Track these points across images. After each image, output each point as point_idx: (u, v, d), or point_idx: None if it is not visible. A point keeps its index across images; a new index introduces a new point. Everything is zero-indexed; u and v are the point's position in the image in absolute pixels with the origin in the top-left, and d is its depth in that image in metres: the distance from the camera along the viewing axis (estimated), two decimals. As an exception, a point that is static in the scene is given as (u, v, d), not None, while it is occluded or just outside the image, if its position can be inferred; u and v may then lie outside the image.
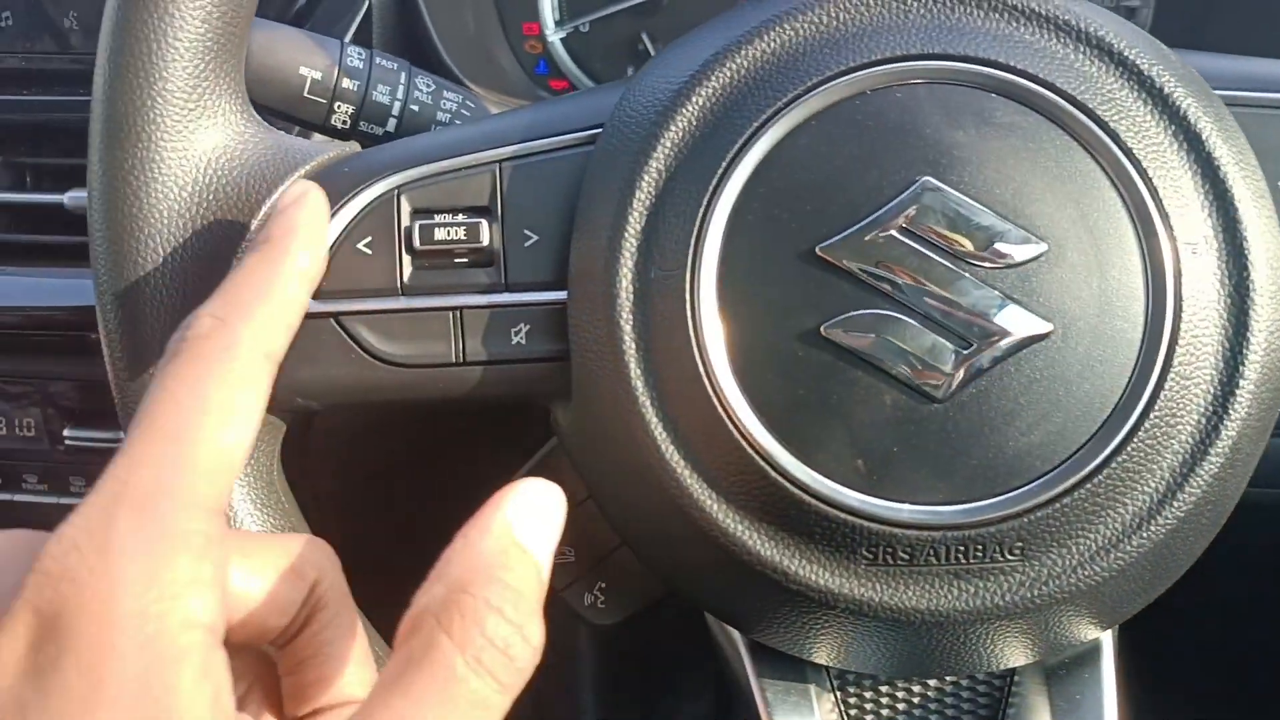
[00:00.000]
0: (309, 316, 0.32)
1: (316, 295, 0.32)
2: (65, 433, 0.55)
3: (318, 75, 0.41)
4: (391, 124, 0.42)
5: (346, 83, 0.41)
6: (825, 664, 0.33)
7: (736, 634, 0.35)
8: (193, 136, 0.32)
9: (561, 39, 0.68)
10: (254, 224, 0.32)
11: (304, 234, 0.29)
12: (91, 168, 0.31)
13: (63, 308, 0.51)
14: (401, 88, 0.42)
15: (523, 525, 0.23)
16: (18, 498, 0.58)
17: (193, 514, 0.22)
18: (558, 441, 0.35)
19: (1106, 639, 0.34)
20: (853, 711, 0.36)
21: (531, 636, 0.22)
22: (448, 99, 0.44)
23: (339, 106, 0.42)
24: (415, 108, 0.43)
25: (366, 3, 0.55)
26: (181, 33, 0.31)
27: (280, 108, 0.42)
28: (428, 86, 0.44)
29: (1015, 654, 0.32)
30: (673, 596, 0.37)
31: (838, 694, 0.35)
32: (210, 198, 0.32)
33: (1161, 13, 0.64)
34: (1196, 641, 0.87)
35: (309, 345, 0.32)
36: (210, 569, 0.22)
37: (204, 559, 0.22)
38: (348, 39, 0.55)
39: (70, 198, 0.50)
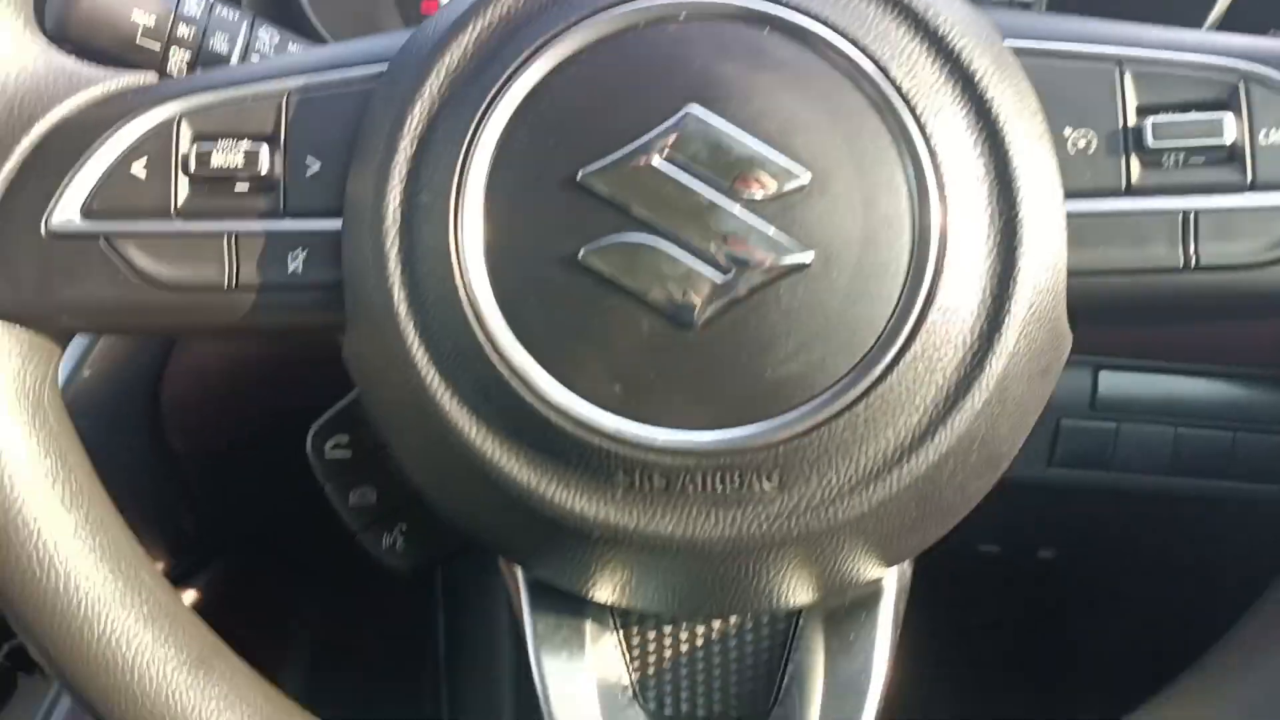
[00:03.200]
0: (76, 237, 0.31)
1: (86, 214, 0.31)
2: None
3: (150, 21, 0.40)
4: None
5: (182, 29, 0.41)
6: (605, 601, 0.33)
7: (519, 575, 0.34)
8: None
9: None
10: (25, 140, 0.31)
11: None
12: None
13: None
14: (242, 38, 0.42)
15: None
16: None
17: None
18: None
19: (889, 583, 0.34)
20: (635, 651, 0.35)
21: None
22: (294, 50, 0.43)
23: (174, 52, 0.41)
24: (256, 57, 0.42)
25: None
26: None
27: (114, 51, 0.41)
28: (271, 38, 0.43)
29: (786, 592, 0.31)
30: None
31: (620, 633, 0.35)
32: None
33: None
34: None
35: (76, 265, 0.31)
36: None
37: None
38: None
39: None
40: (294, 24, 0.55)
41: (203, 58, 0.42)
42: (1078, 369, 0.59)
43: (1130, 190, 0.30)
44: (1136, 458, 0.60)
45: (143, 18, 0.40)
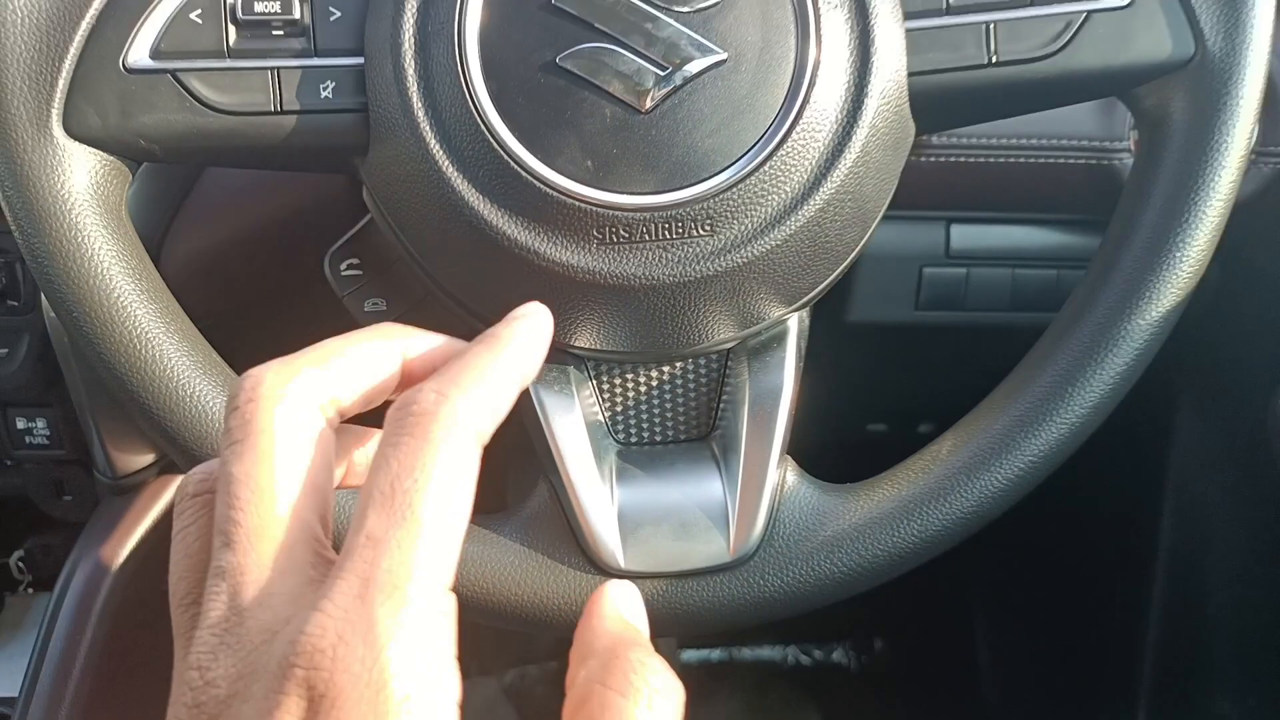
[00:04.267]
0: (149, 73, 0.40)
1: (155, 55, 0.40)
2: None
3: None
4: None
5: None
6: (583, 346, 0.42)
7: None
8: None
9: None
10: (91, 9, 0.39)
11: (529, 341, 0.30)
12: None
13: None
14: None
15: (627, 610, 0.29)
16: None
17: (437, 596, 0.24)
18: (369, 206, 0.44)
19: (792, 324, 0.44)
20: (606, 393, 0.45)
21: (678, 684, 0.26)
22: None
23: None
24: None
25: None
26: None
27: None
28: None
29: (719, 326, 0.41)
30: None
31: (594, 381, 0.45)
32: None
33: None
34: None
35: (150, 96, 0.39)
36: (451, 645, 0.25)
37: (450, 636, 0.25)
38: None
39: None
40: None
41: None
42: (934, 224, 0.72)
43: (948, 10, 0.42)
44: (984, 297, 0.72)
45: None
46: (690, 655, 1.22)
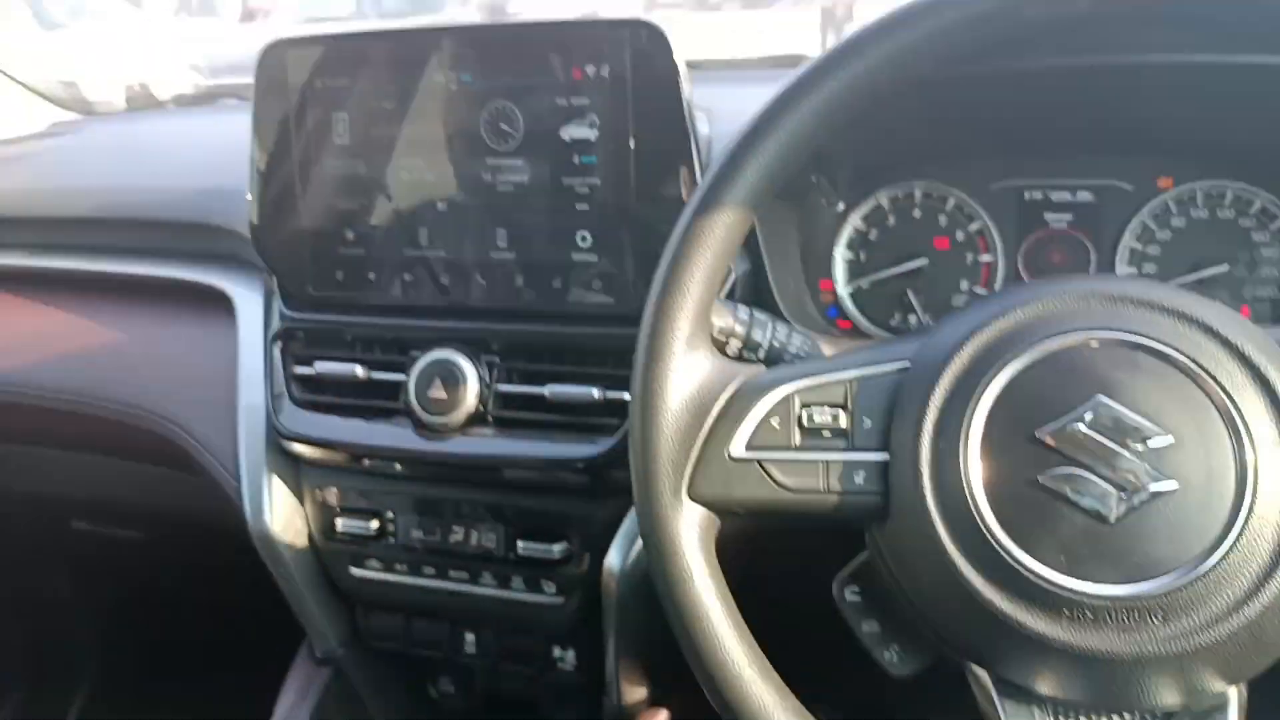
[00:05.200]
0: (744, 461, 0.58)
1: (748, 447, 0.58)
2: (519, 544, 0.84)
3: (723, 324, 0.69)
4: (761, 353, 0.68)
5: (738, 328, 0.70)
6: (1046, 692, 0.53)
7: (987, 677, 0.55)
8: (688, 359, 0.60)
9: (850, 293, 0.95)
10: (716, 406, 0.59)
11: None
12: (635, 373, 0.59)
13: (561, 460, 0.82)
14: (770, 331, 0.70)
15: None
16: (476, 589, 0.87)
17: None
18: (870, 552, 0.58)
19: (1233, 696, 0.52)
20: None
21: None
22: (794, 339, 0.71)
23: (732, 341, 0.69)
24: (777, 344, 0.70)
25: (733, 273, 0.84)
26: (686, 311, 0.59)
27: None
28: (785, 331, 0.71)
29: (1167, 694, 0.51)
30: (943, 665, 0.59)
31: (1055, 718, 0.55)
32: (696, 391, 0.59)
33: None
34: None
35: (744, 476, 0.58)
36: None
37: None
38: (724, 295, 0.84)
39: (550, 390, 0.82)
40: (766, 307, 0.82)
41: (748, 344, 0.69)
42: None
43: None
44: None
45: (718, 321, 0.69)
46: None
